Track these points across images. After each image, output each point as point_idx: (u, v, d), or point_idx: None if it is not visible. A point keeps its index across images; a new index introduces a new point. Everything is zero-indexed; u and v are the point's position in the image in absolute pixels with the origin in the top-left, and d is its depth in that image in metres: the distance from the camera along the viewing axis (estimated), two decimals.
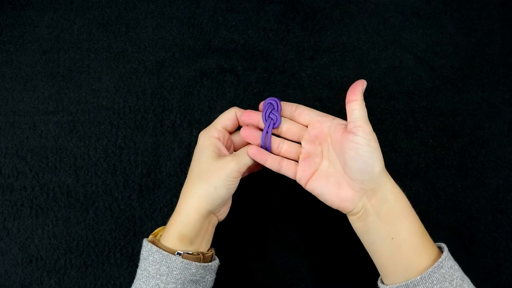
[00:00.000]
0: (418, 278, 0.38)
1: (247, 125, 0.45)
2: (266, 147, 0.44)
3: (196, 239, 0.42)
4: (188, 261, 0.40)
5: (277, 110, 0.44)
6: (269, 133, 0.44)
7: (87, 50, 0.56)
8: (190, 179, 0.43)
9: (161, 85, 0.55)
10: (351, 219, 0.43)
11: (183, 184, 0.44)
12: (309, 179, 0.43)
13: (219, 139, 0.44)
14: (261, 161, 0.44)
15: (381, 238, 0.40)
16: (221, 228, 0.47)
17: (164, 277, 0.40)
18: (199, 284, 0.42)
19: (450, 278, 0.38)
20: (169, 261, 0.40)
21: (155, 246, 0.41)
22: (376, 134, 0.40)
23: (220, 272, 0.46)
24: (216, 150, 0.43)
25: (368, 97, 0.55)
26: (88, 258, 0.52)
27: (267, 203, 0.53)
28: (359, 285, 0.52)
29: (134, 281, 0.42)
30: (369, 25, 0.57)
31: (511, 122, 0.55)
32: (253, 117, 0.44)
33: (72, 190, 0.53)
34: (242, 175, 0.44)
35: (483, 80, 0.56)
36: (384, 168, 0.41)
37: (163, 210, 0.53)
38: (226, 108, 0.46)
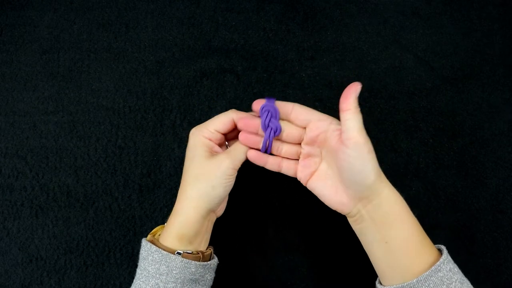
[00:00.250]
0: (414, 281, 0.38)
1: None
2: (266, 151, 0.44)
3: (196, 238, 0.42)
4: (187, 260, 0.40)
5: (276, 118, 0.42)
6: (270, 141, 0.43)
7: (87, 50, 0.56)
8: (186, 180, 0.43)
9: (161, 85, 0.55)
10: (349, 220, 0.43)
11: None
12: (309, 179, 0.43)
13: (210, 139, 0.43)
14: (261, 164, 0.44)
15: (376, 242, 0.40)
16: (221, 227, 0.47)
17: (164, 277, 0.40)
18: (198, 283, 0.42)
19: (448, 282, 0.37)
20: (168, 261, 0.40)
21: (154, 246, 0.41)
22: (376, 134, 0.40)
23: (220, 271, 0.46)
24: (208, 150, 0.43)
25: (368, 97, 0.55)
26: (88, 258, 0.52)
27: (267, 202, 0.53)
28: (359, 285, 0.52)
29: (134, 280, 0.42)
30: (369, 25, 0.57)
31: (511, 122, 0.55)
32: (251, 125, 0.43)
33: (72, 190, 0.53)
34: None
35: (483, 80, 0.56)
36: (381, 175, 0.40)
37: (163, 210, 0.53)
38: (226, 108, 0.46)
